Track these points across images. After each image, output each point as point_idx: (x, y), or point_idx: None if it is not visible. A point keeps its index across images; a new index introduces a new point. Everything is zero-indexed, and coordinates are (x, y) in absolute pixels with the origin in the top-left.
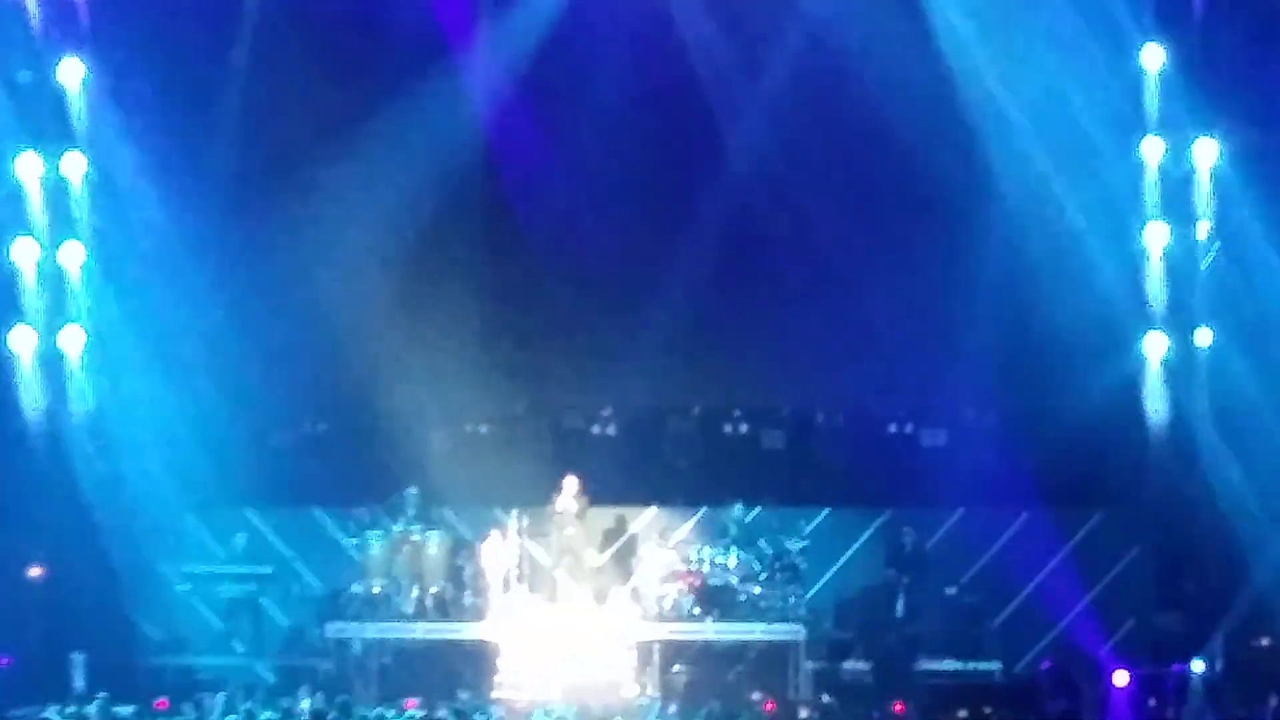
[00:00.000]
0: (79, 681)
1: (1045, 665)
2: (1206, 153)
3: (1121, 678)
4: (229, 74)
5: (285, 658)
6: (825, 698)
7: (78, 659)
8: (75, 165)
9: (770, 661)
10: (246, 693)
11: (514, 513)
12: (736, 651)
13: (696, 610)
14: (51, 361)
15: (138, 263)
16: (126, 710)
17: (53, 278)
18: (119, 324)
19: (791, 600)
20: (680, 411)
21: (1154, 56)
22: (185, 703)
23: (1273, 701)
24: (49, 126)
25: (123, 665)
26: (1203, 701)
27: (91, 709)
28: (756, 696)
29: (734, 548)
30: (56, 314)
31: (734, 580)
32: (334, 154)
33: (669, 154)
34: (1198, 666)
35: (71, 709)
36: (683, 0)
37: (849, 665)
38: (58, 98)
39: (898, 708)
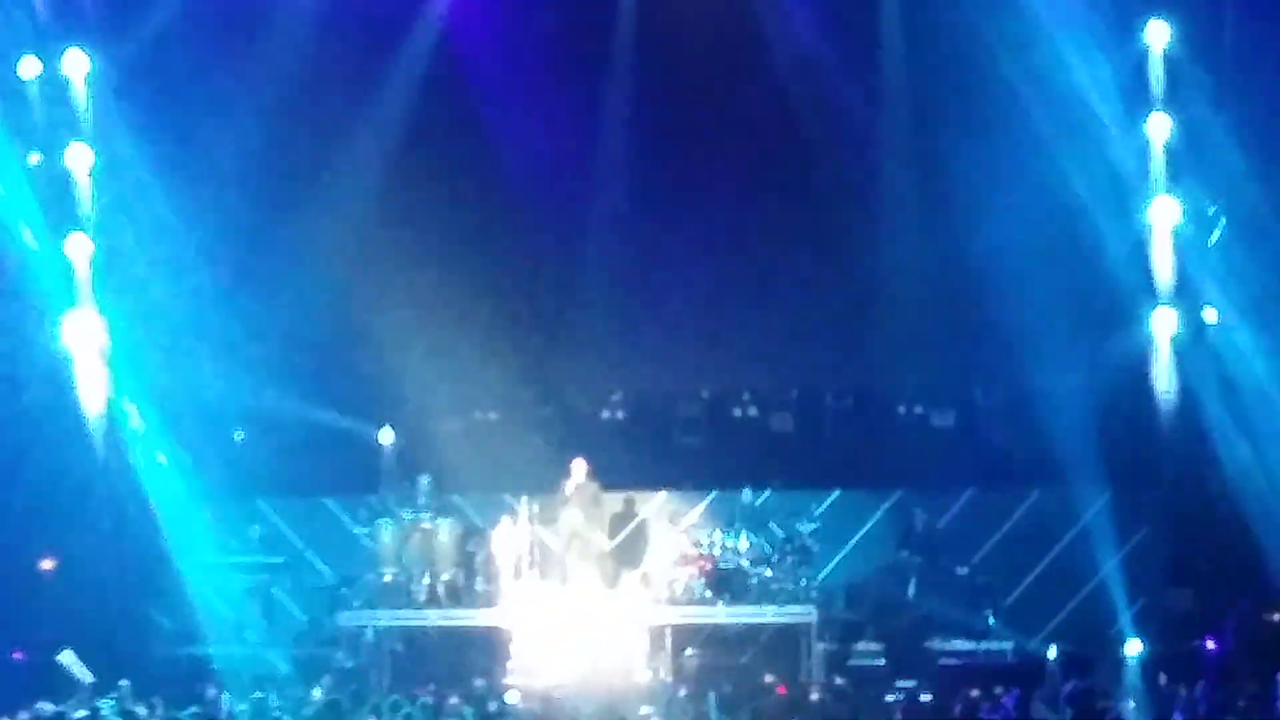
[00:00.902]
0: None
1: (1057, 644)
2: (1212, 127)
3: (1134, 647)
4: (236, 66)
5: (298, 647)
6: (837, 679)
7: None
8: (81, 157)
9: (782, 644)
10: (258, 683)
11: (524, 499)
12: (748, 635)
13: (708, 594)
14: (59, 355)
15: (147, 254)
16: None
17: (61, 269)
18: (130, 317)
19: (803, 582)
20: (689, 395)
21: (1160, 31)
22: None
23: None
24: (54, 119)
25: (136, 656)
26: (1214, 677)
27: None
28: (769, 679)
29: (744, 530)
30: (68, 306)
31: (745, 563)
32: (341, 142)
33: (675, 137)
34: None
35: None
36: None
37: (861, 647)
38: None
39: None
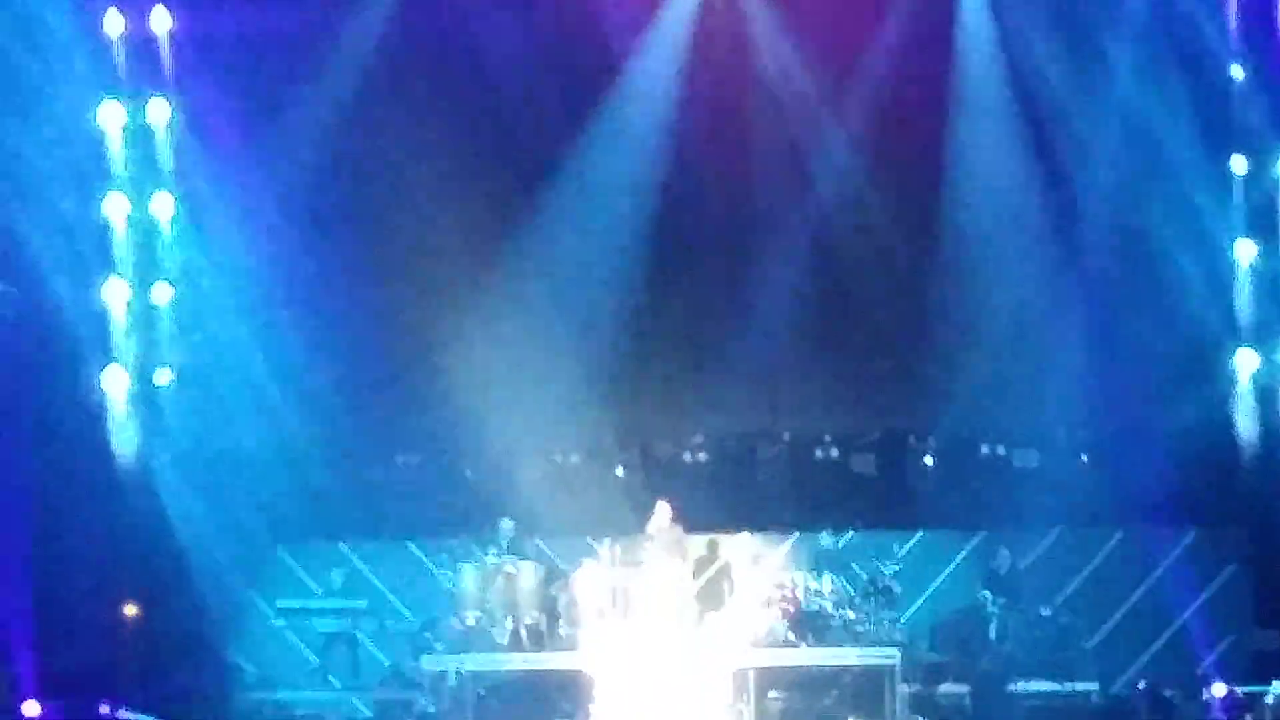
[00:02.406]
0: None
1: (1141, 685)
2: None
3: (1219, 689)
4: (309, 106)
5: (381, 692)
6: None
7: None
8: (163, 205)
9: (866, 686)
10: None
11: (607, 541)
12: (832, 677)
13: (791, 636)
14: (144, 400)
15: (225, 301)
16: None
17: (143, 317)
18: (208, 362)
19: (886, 624)
20: (770, 437)
21: (1238, 71)
22: None
23: None
24: (137, 167)
25: (218, 702)
26: None
27: None
28: None
29: (827, 572)
30: (147, 353)
31: (828, 605)
32: (418, 184)
33: (756, 176)
34: None
35: None
36: (765, 31)
37: (945, 688)
38: (146, 137)
39: None
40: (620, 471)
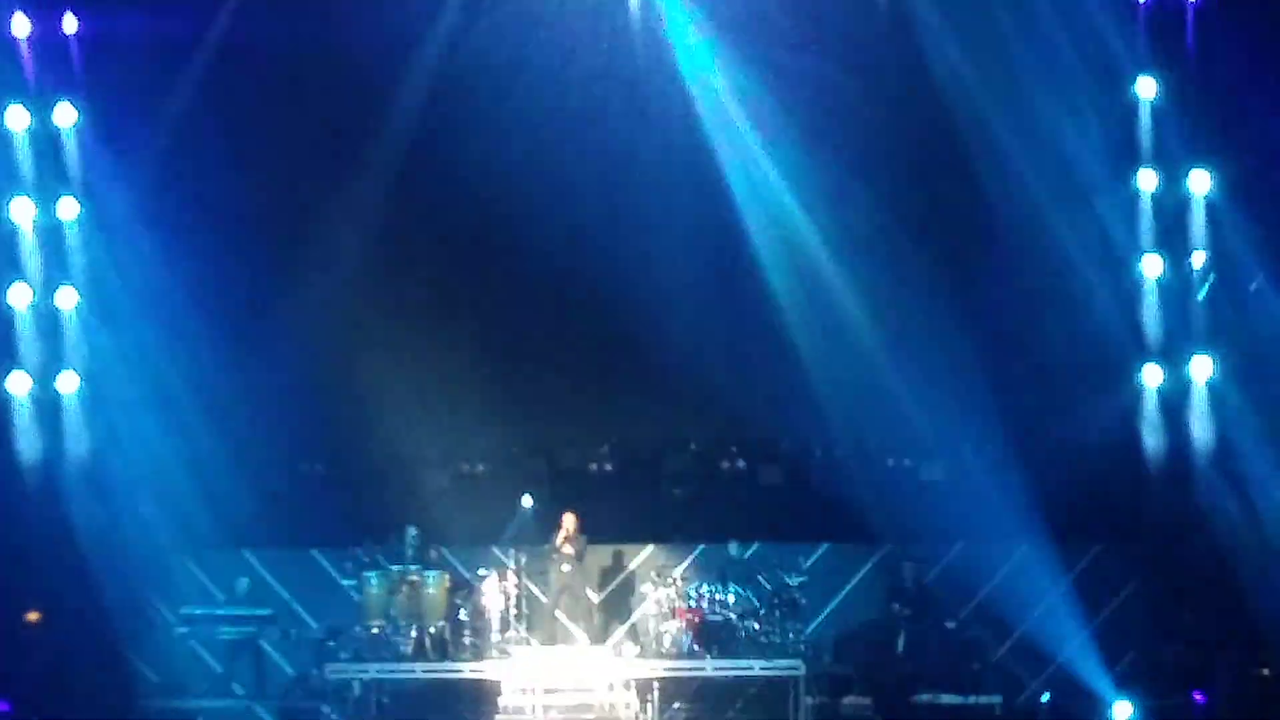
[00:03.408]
0: None
1: (1046, 698)
2: (1201, 183)
3: (1123, 710)
4: (219, 114)
5: (285, 700)
6: None
7: None
8: (69, 209)
9: (770, 697)
10: None
11: (512, 551)
12: (736, 688)
13: (696, 647)
14: (46, 405)
15: (131, 306)
16: None
17: (47, 321)
18: (113, 368)
19: (791, 635)
20: (677, 447)
21: (1148, 87)
22: None
23: None
24: (43, 170)
25: (121, 709)
26: None
27: None
28: None
29: (732, 584)
30: (51, 357)
31: (733, 616)
32: (330, 193)
33: (664, 187)
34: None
35: None
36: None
37: (849, 700)
38: (52, 141)
39: None
40: (527, 500)
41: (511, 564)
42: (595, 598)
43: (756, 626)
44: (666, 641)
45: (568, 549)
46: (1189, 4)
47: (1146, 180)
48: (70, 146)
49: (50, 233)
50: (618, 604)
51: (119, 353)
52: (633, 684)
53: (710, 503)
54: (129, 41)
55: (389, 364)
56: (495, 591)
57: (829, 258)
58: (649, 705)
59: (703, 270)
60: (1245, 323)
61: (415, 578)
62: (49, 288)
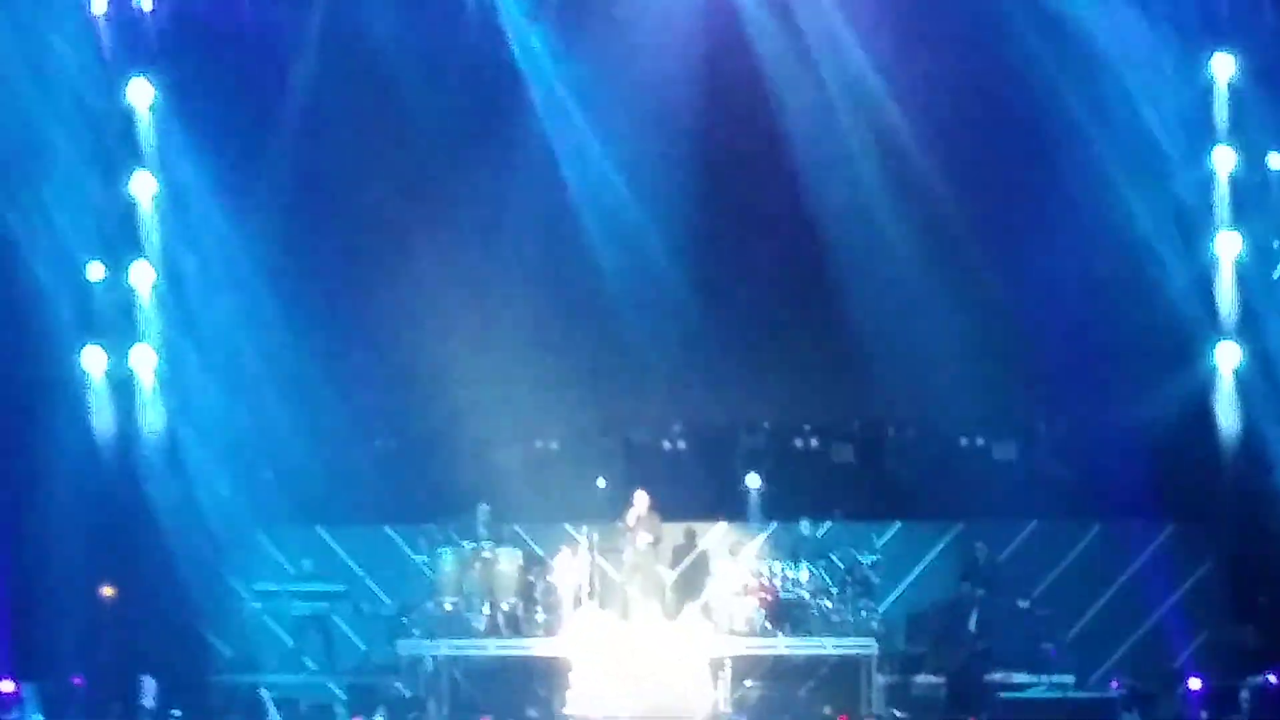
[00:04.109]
0: (149, 702)
1: (1118, 680)
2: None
3: (1195, 684)
4: (295, 93)
5: (357, 676)
6: (897, 713)
7: (148, 682)
8: (144, 185)
9: (842, 676)
10: (317, 712)
11: (585, 529)
12: (809, 667)
13: (768, 625)
14: (122, 381)
15: (207, 282)
16: None
17: (123, 298)
18: (188, 343)
19: (863, 614)
20: (750, 426)
21: (1225, 64)
22: None
23: None
24: (118, 147)
25: (194, 684)
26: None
27: None
28: (828, 711)
29: (805, 562)
30: (127, 334)
31: (806, 595)
32: (401, 169)
33: (738, 167)
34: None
35: None
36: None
37: (921, 679)
38: (126, 119)
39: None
40: (601, 482)
41: (584, 541)
42: (668, 575)
43: (829, 605)
44: (739, 620)
45: (641, 526)
46: None
47: (1222, 157)
48: (145, 124)
49: (126, 209)
50: (690, 582)
51: (194, 329)
52: (705, 662)
53: (783, 481)
54: (204, 19)
55: (463, 341)
56: (568, 568)
57: (904, 237)
58: (721, 683)
59: (775, 249)
60: None
61: (488, 554)
62: (123, 264)
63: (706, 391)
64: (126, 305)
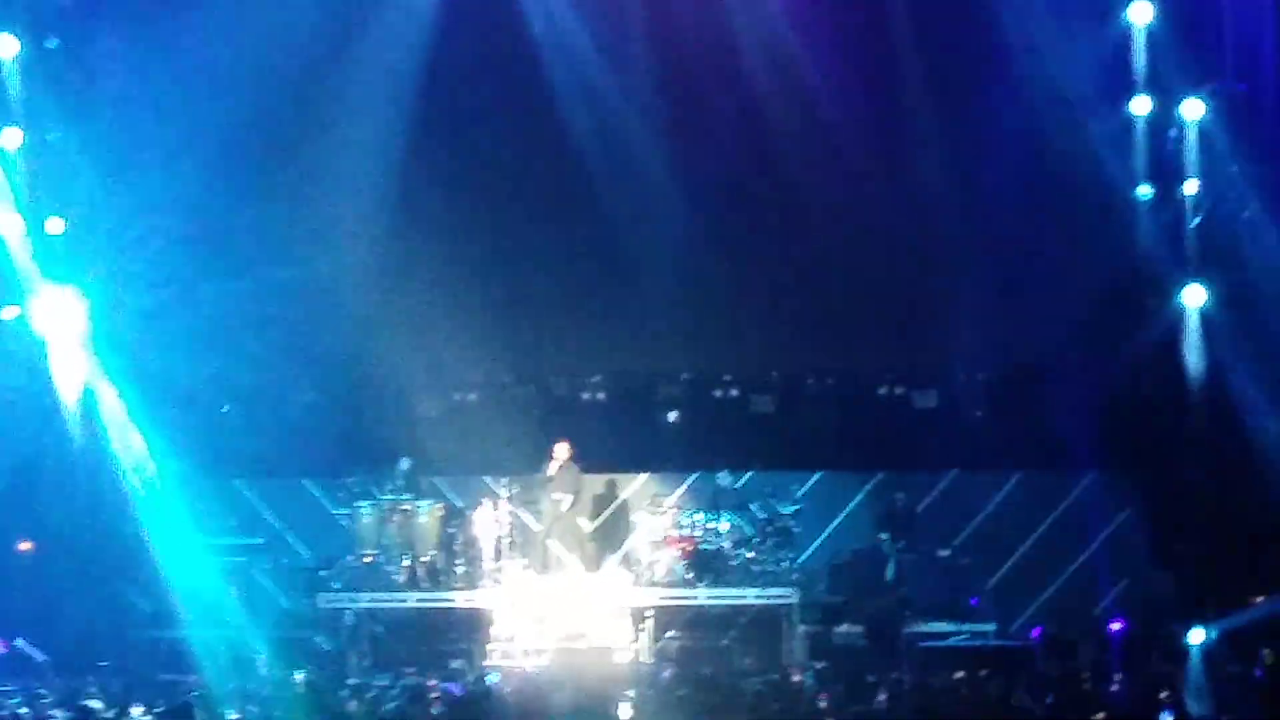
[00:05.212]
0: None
1: (1039, 627)
2: (1194, 110)
3: (1116, 630)
4: (213, 41)
5: (277, 630)
6: (818, 662)
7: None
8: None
9: (763, 626)
10: (237, 666)
11: (504, 481)
12: (730, 617)
13: (689, 576)
14: (32, 333)
15: (127, 236)
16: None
17: (43, 249)
18: (108, 297)
19: (784, 564)
20: (670, 377)
21: (1142, 12)
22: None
23: (1264, 657)
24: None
25: (114, 639)
26: (1197, 660)
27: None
28: (749, 662)
29: (726, 513)
30: (46, 288)
31: (726, 545)
32: (318, 121)
33: (660, 121)
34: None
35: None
36: None
37: (842, 629)
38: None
39: None
40: (672, 416)
41: (504, 492)
42: (588, 527)
43: (750, 555)
44: (660, 570)
45: (560, 478)
46: None
47: (1140, 106)
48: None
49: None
50: (611, 533)
51: (112, 282)
52: (626, 613)
53: (702, 432)
54: None
55: (381, 293)
56: (488, 521)
57: (821, 184)
58: (642, 634)
59: (695, 199)
60: (1236, 252)
61: (407, 507)
62: (40, 213)
63: (626, 342)
64: (48, 257)
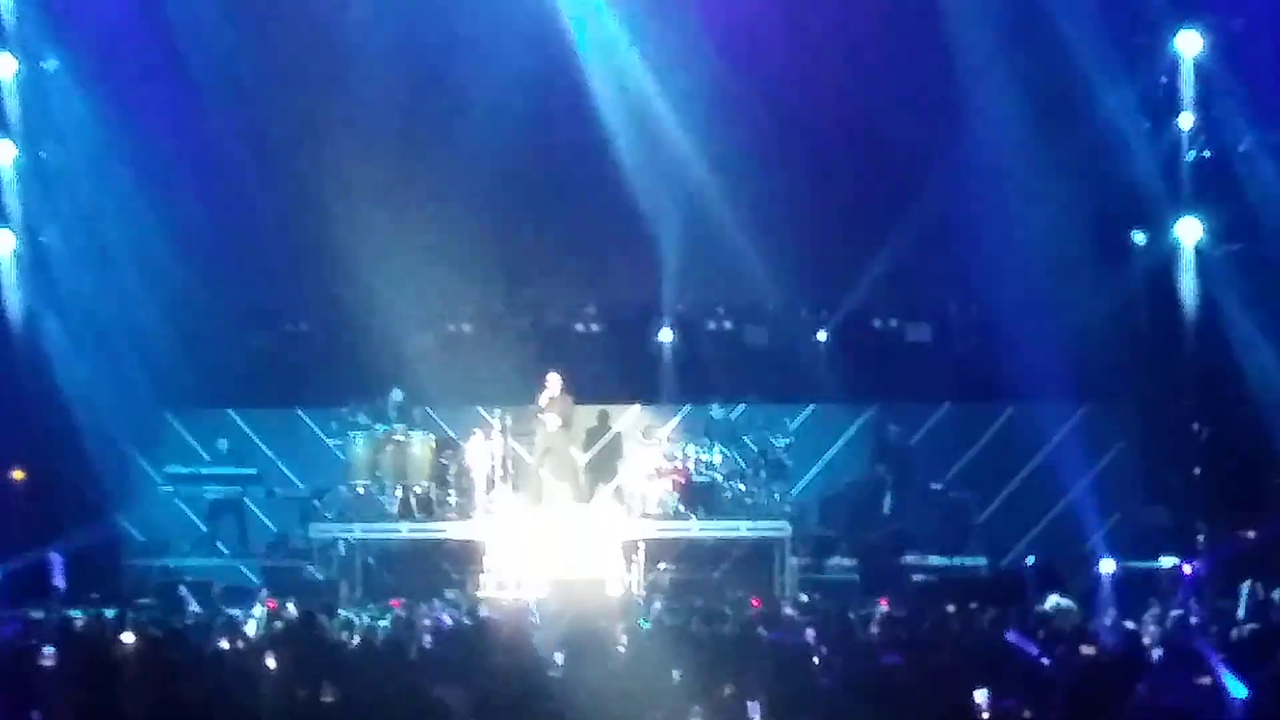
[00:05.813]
0: (59, 582)
1: (1031, 560)
2: (1189, 45)
3: (1108, 566)
4: None
5: (269, 559)
6: (807, 597)
7: (55, 559)
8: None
9: (755, 559)
10: (229, 594)
11: (497, 411)
12: (722, 549)
13: (681, 508)
14: (28, 261)
15: (113, 156)
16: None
17: (30, 176)
18: (96, 222)
19: (776, 497)
20: (664, 308)
21: None
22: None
23: (1247, 588)
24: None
25: (107, 568)
26: (1187, 593)
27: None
28: (741, 594)
29: (719, 445)
30: (34, 214)
31: (719, 478)
32: (314, 44)
33: (655, 49)
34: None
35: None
36: None
37: (834, 562)
38: None
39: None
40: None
41: (496, 423)
42: (581, 458)
43: (742, 488)
44: (652, 502)
45: (553, 409)
46: None
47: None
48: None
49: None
50: (603, 464)
51: (102, 206)
52: (618, 545)
53: (696, 364)
54: None
55: (375, 224)
56: (481, 451)
57: (819, 119)
58: (634, 566)
59: (689, 129)
60: (1231, 185)
61: (400, 437)
62: (31, 143)
63: (619, 273)
64: (35, 183)
